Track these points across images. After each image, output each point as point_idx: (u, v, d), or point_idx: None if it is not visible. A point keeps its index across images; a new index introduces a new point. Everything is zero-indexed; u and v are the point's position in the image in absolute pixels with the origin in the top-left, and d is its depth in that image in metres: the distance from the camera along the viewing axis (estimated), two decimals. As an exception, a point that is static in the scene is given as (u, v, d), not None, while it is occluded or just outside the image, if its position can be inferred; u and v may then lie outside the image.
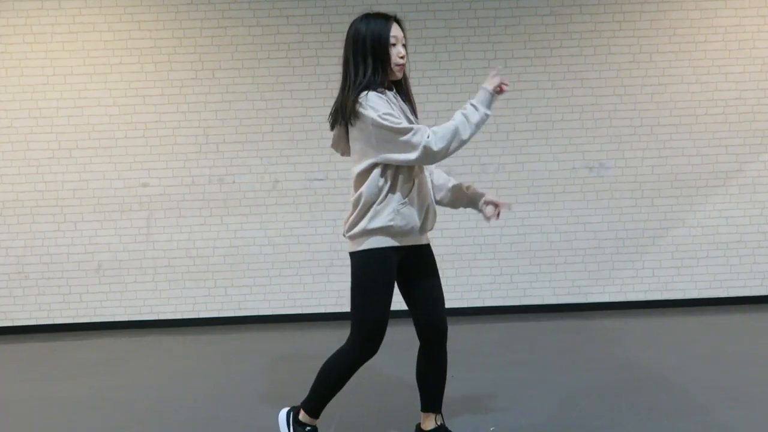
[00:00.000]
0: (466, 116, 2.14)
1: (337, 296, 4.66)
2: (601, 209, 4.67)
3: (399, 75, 2.28)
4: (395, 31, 2.24)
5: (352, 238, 2.30)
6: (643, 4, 4.58)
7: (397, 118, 2.13)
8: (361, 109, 2.14)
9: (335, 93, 4.98)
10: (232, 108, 4.58)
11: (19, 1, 4.49)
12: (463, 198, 2.47)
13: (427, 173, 2.35)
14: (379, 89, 2.20)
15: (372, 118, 2.11)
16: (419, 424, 2.54)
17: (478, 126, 2.15)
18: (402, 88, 2.33)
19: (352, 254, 2.34)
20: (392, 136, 2.11)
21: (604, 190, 4.66)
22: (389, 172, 2.21)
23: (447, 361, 2.45)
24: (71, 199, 4.59)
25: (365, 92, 2.16)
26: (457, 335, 4.24)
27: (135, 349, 4.20)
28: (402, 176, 2.22)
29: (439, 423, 2.48)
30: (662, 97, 4.62)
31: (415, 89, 4.74)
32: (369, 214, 2.22)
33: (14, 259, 4.61)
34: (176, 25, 4.54)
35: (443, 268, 4.58)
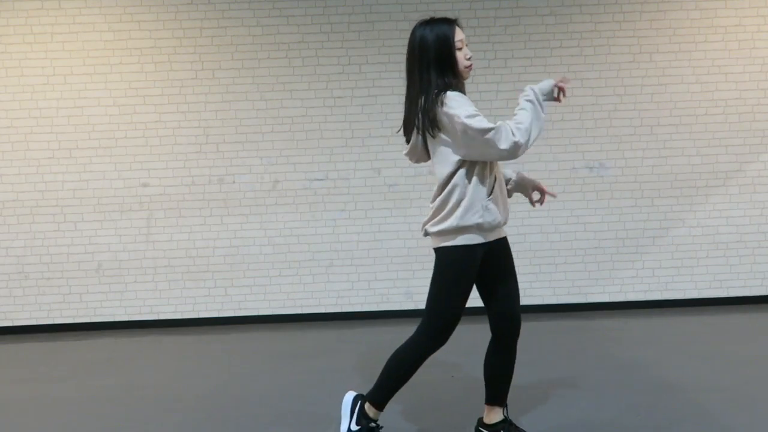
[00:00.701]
0: (536, 112, 2.24)
1: (337, 296, 4.67)
2: (601, 209, 4.67)
3: (468, 76, 2.35)
4: (459, 34, 2.30)
5: (440, 234, 2.37)
6: (643, 4, 4.58)
7: (481, 117, 2.18)
8: (447, 110, 2.19)
9: (335, 93, 5.00)
10: (232, 108, 4.58)
11: (19, 1, 4.49)
12: (522, 186, 2.59)
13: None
14: (457, 90, 2.27)
15: (460, 119, 2.16)
16: (481, 417, 2.60)
17: (541, 121, 2.25)
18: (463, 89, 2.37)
19: (441, 249, 2.41)
20: (479, 134, 2.16)
21: (604, 190, 4.66)
22: (475, 170, 2.28)
23: (516, 356, 2.54)
24: (71, 199, 4.59)
25: (445, 93, 2.22)
26: (457, 335, 4.24)
27: (135, 349, 4.20)
28: (486, 173, 2.30)
29: (505, 415, 2.56)
30: (662, 97, 4.62)
31: (415, 89, 4.73)
32: (459, 212, 2.29)
33: (14, 259, 4.61)
34: (176, 25, 4.54)
35: (443, 268, 4.62)
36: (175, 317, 4.66)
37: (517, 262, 4.67)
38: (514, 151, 2.16)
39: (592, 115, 4.62)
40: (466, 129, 2.15)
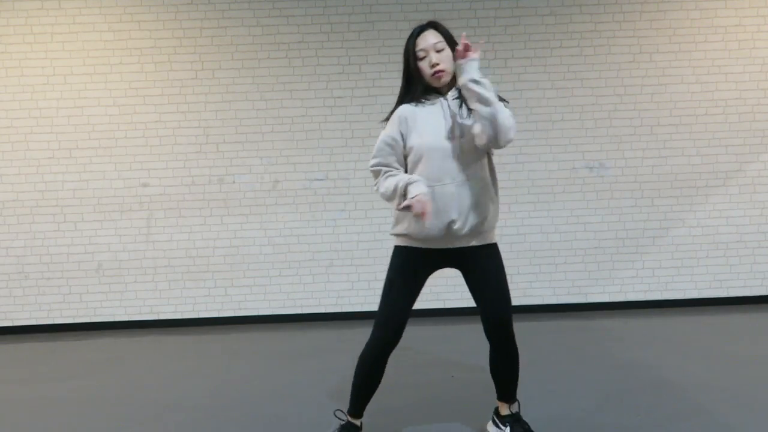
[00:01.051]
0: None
1: (337, 296, 4.67)
2: (601, 209, 4.67)
3: (438, 83, 2.30)
4: (421, 43, 2.28)
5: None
6: (643, 4, 4.58)
7: (377, 159, 2.39)
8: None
9: (335, 93, 5.01)
10: (232, 108, 4.58)
11: (19, 1, 4.49)
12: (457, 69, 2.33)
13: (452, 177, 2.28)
14: (413, 102, 2.32)
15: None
16: (497, 407, 2.66)
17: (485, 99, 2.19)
18: (458, 90, 2.30)
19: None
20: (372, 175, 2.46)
21: (604, 190, 4.66)
22: None
23: (516, 356, 2.54)
24: (71, 199, 4.59)
25: (392, 112, 2.39)
26: (457, 335, 4.24)
27: (135, 349, 4.20)
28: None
29: (513, 411, 2.61)
30: (662, 97, 4.62)
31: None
32: (395, 219, 2.48)
33: (14, 259, 4.61)
34: (176, 25, 4.54)
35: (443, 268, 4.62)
36: (175, 317, 4.66)
37: (517, 262, 4.71)
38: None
39: (592, 115, 4.62)
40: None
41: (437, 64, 2.25)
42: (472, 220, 2.31)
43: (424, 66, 2.28)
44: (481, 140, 2.20)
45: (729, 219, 4.68)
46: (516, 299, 4.69)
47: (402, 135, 2.34)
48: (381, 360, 2.49)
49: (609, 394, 3.06)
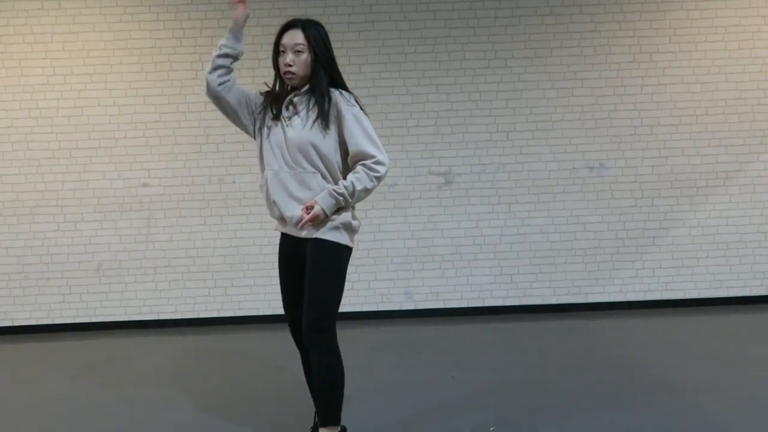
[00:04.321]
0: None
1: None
2: (601, 209, 4.67)
3: (288, 82, 2.38)
4: (286, 38, 2.36)
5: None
6: (643, 4, 4.58)
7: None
8: None
9: (335, 93, 4.91)
10: (232, 108, 4.57)
11: (19, 1, 4.49)
12: None
13: (276, 169, 2.39)
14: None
15: None
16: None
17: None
18: (316, 91, 2.36)
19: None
20: None
21: (604, 190, 4.66)
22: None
23: (330, 370, 2.43)
24: (71, 199, 4.59)
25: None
26: (457, 335, 4.24)
27: (135, 349, 4.20)
28: (261, 167, 2.50)
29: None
30: (662, 97, 4.62)
31: (415, 89, 4.78)
32: None
33: (14, 259, 4.61)
34: (176, 25, 4.53)
35: (443, 268, 4.63)
36: (175, 317, 4.66)
37: (517, 262, 4.72)
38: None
39: (592, 115, 4.62)
40: None
41: (290, 66, 2.33)
42: (277, 205, 2.39)
43: (280, 62, 2.36)
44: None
45: (729, 219, 4.67)
46: (516, 299, 4.69)
47: (254, 102, 2.49)
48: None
49: (609, 394, 3.07)
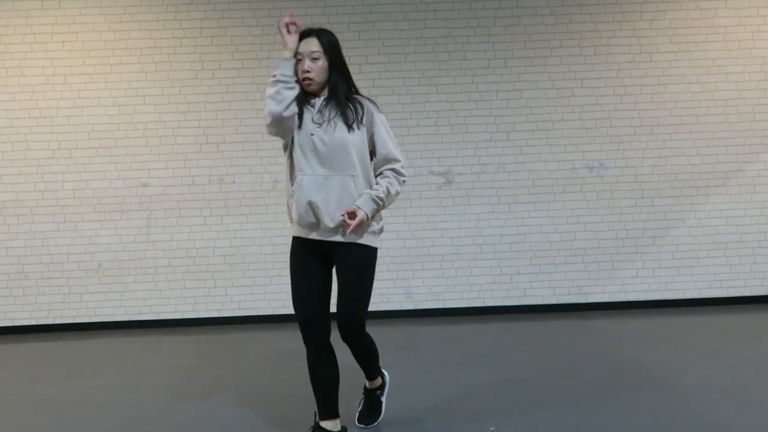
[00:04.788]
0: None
1: (337, 296, 4.65)
2: (601, 209, 4.67)
3: (306, 89, 2.46)
4: (302, 47, 2.45)
5: None
6: (643, 4, 4.58)
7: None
8: None
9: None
10: (232, 108, 4.58)
11: (19, 1, 4.49)
12: None
13: (310, 173, 2.45)
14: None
15: None
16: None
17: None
18: (341, 97, 2.49)
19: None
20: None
21: (604, 190, 4.66)
22: (286, 168, 2.56)
23: (364, 353, 2.70)
24: (71, 199, 4.59)
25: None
26: (457, 335, 4.24)
27: (135, 349, 4.20)
28: (290, 171, 2.53)
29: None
30: (662, 97, 4.62)
31: (414, 89, 4.77)
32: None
33: (14, 259, 4.61)
34: (176, 25, 4.54)
35: (443, 268, 4.63)
36: (175, 317, 4.66)
37: (517, 262, 4.71)
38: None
39: (592, 115, 4.62)
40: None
41: (308, 72, 2.43)
42: (330, 215, 2.45)
43: (299, 69, 2.45)
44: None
45: (729, 219, 4.67)
46: (516, 299, 4.70)
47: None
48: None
49: (609, 394, 3.06)
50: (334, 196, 2.42)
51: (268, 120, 2.40)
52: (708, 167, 4.65)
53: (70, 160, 4.57)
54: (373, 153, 2.52)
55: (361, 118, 2.46)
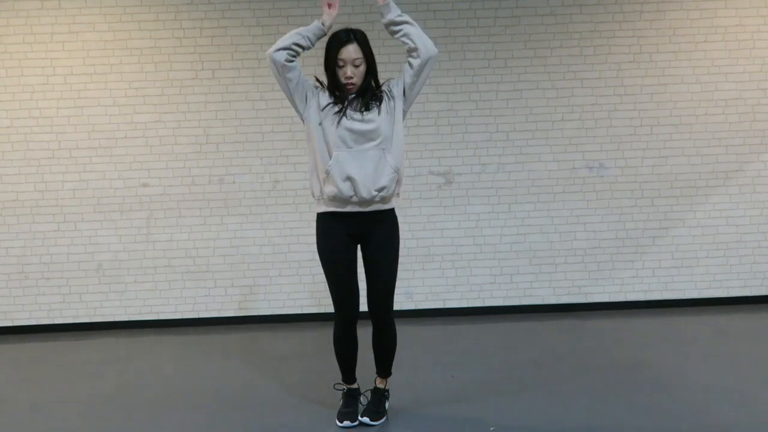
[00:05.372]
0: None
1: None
2: (601, 209, 4.67)
3: (347, 92, 2.64)
4: (345, 54, 2.60)
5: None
6: (643, 4, 4.58)
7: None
8: None
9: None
10: (232, 108, 4.58)
11: (19, 1, 4.49)
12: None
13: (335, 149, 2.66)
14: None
15: None
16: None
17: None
18: (369, 90, 2.68)
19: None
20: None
21: (604, 190, 4.66)
22: (311, 145, 2.76)
23: (391, 340, 2.93)
24: (71, 199, 4.59)
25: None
26: (457, 335, 4.24)
27: (135, 349, 4.21)
28: (316, 146, 2.71)
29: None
30: (662, 97, 4.62)
31: (415, 89, 4.70)
32: (311, 182, 2.81)
33: (14, 259, 4.61)
34: (176, 25, 4.54)
35: (443, 268, 4.63)
36: (175, 317, 4.66)
37: (516, 262, 4.71)
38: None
39: (592, 115, 4.62)
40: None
41: (351, 78, 2.61)
42: (366, 185, 2.64)
43: (340, 74, 2.63)
44: (420, 55, 2.63)
45: (729, 219, 4.68)
46: (516, 299, 4.70)
47: (310, 89, 2.71)
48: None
49: (609, 394, 3.07)
50: (371, 168, 2.60)
51: (270, 61, 2.60)
52: (708, 167, 4.65)
53: (70, 160, 4.57)
54: (413, 83, 2.70)
55: (389, 103, 2.67)
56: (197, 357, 3.97)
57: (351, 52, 2.59)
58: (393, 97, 2.68)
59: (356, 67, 2.61)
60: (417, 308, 4.68)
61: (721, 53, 4.59)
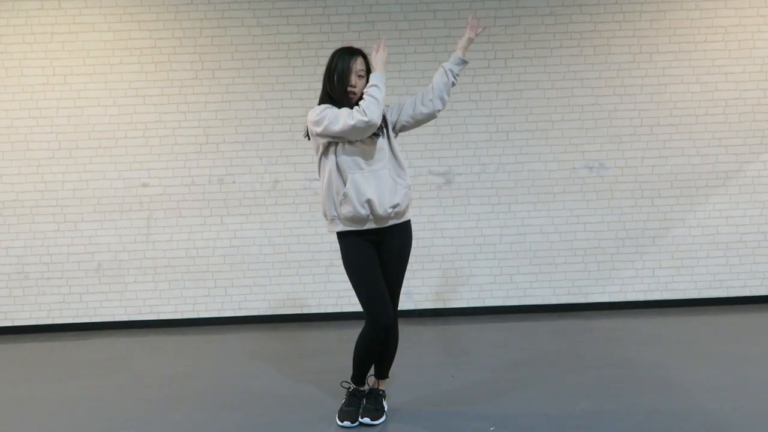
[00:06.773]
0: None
1: (337, 296, 4.66)
2: (601, 209, 4.67)
3: (349, 102, 2.72)
4: (352, 63, 2.71)
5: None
6: (643, 4, 4.58)
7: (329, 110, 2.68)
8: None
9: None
10: (232, 108, 4.58)
11: (19, 1, 4.49)
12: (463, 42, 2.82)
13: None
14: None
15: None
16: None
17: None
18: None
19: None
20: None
21: (604, 190, 4.66)
22: (324, 168, 2.79)
23: (395, 344, 2.93)
24: (71, 199, 4.59)
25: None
26: (457, 335, 4.24)
27: (135, 349, 4.21)
28: (333, 169, 2.73)
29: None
30: (662, 97, 4.62)
31: (414, 89, 4.77)
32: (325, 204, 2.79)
33: (14, 259, 4.61)
34: (176, 25, 4.54)
35: (443, 268, 4.63)
36: (175, 317, 4.66)
37: (517, 262, 4.71)
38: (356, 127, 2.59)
39: (592, 115, 4.62)
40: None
41: (354, 87, 2.70)
42: (384, 204, 2.70)
43: (345, 81, 2.71)
44: (435, 106, 2.76)
45: (729, 219, 4.68)
46: (516, 299, 4.70)
47: None
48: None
49: (609, 394, 3.07)
50: (386, 188, 2.68)
51: (370, 123, 2.55)
52: (708, 167, 4.65)
53: (70, 160, 4.57)
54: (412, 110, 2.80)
55: (383, 126, 2.75)
56: (197, 357, 3.97)
57: (357, 63, 2.72)
58: (386, 122, 2.77)
59: (360, 78, 2.72)
60: (417, 308, 4.68)
61: (721, 53, 4.59)
